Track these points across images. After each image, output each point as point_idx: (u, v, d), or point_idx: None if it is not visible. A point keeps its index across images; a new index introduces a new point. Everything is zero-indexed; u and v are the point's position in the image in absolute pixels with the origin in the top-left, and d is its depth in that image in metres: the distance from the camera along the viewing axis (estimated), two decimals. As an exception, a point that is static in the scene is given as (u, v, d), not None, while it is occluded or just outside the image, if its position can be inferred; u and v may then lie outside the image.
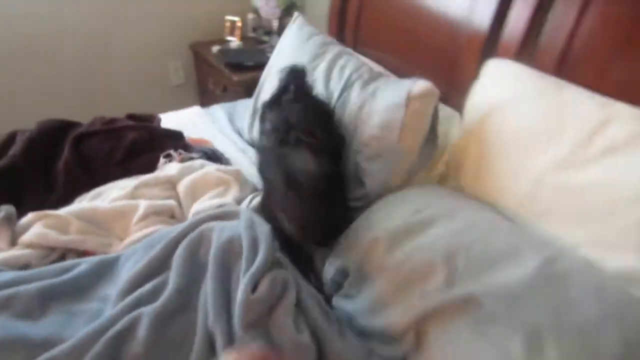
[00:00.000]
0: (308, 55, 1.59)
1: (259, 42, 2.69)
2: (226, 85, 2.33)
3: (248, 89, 2.24)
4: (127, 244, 1.12)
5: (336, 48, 1.59)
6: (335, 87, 1.39)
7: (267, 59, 2.41)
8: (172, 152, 1.41)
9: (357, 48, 1.96)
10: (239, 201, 1.22)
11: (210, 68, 2.50)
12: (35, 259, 1.08)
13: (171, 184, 1.27)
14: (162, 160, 1.39)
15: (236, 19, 2.62)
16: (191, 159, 1.43)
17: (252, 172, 1.56)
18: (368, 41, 1.91)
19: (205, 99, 2.81)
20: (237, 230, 0.96)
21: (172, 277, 0.92)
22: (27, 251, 1.08)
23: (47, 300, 0.92)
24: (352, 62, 1.45)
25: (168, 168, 1.34)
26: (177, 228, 1.02)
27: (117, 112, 1.58)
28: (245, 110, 1.97)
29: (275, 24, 2.64)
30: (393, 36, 1.74)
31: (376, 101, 1.22)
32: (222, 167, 1.32)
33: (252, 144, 1.71)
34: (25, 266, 1.06)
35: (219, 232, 0.97)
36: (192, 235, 0.98)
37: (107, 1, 2.46)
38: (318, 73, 1.52)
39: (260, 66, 2.30)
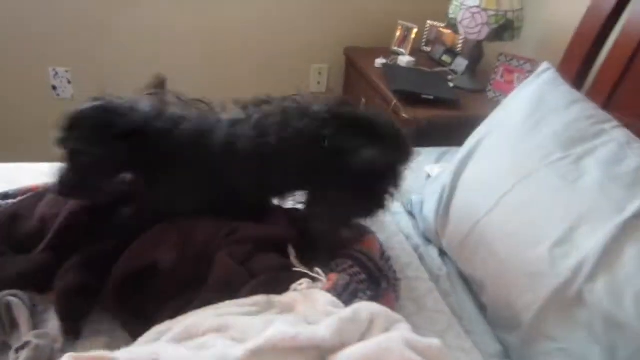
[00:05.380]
0: (569, 130, 0.97)
1: (435, 61, 2.05)
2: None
3: (419, 132, 1.62)
4: None
5: (617, 132, 0.95)
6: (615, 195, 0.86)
7: (452, 93, 1.76)
8: (308, 272, 0.86)
9: (607, 111, 1.31)
10: None
11: (367, 86, 1.91)
12: None
13: (318, 352, 0.70)
14: (303, 280, 0.83)
15: (413, 27, 2.00)
16: (348, 284, 0.85)
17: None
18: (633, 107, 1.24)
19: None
20: None
21: None
22: None
23: None
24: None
25: (314, 307, 0.77)
26: None
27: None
28: (418, 171, 1.35)
29: (460, 41, 1.99)
30: None
31: None
32: (414, 337, 0.72)
33: (434, 237, 1.11)
34: None
35: None
36: None
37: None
38: (588, 166, 0.90)
39: (442, 102, 1.68)
